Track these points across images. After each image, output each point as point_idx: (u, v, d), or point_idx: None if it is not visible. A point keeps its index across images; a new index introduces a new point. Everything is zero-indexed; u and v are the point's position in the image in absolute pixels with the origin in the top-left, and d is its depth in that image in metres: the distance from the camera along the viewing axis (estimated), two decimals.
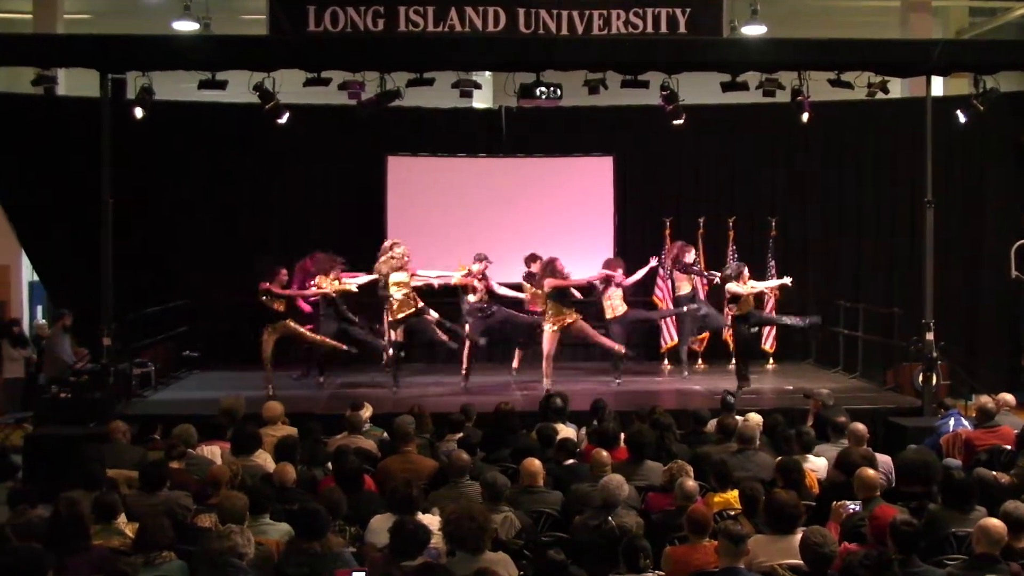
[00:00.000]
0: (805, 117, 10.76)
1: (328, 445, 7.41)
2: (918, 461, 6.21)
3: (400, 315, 10.48)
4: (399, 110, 11.50)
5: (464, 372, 11.15)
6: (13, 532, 5.07)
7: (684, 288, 12.06)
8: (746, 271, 10.87)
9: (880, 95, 10.91)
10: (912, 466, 6.17)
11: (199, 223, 13.28)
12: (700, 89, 11.21)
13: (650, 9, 11.12)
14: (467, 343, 11.02)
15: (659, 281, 12.86)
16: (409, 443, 7.03)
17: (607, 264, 11.38)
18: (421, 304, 10.53)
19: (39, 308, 15.25)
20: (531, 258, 11.49)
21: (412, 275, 10.62)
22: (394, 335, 10.67)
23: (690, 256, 12.05)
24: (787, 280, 11.26)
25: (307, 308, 11.32)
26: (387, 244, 10.82)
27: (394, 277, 10.46)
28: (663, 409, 8.26)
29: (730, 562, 4.87)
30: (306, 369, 11.63)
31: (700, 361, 13.09)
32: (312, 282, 10.95)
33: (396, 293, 10.46)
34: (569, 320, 10.71)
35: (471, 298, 10.97)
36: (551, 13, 10.71)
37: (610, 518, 5.54)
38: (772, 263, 13.11)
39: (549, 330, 10.73)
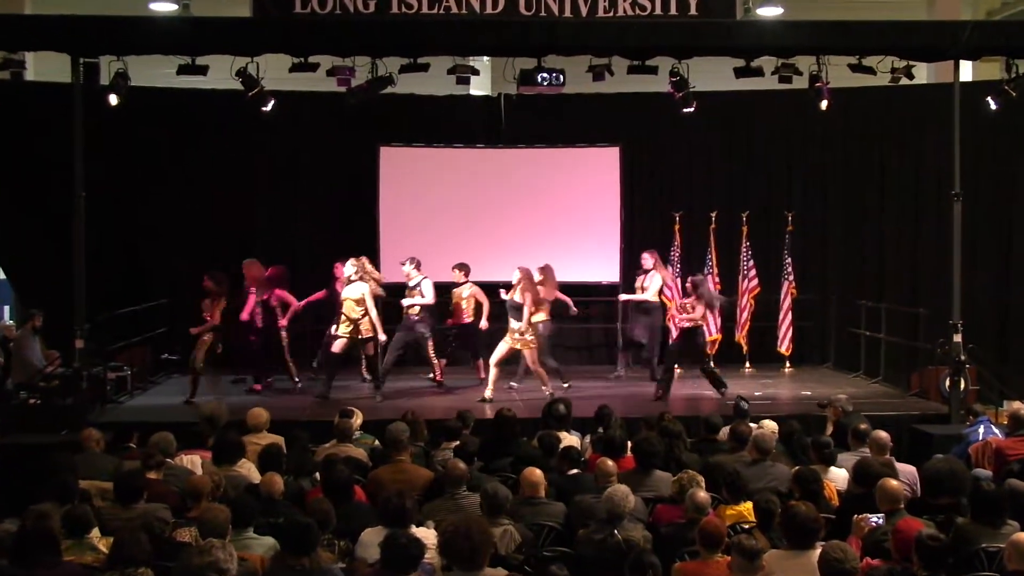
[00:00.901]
0: (824, 105, 10.76)
1: (316, 454, 7.41)
2: (945, 471, 6.21)
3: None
4: (392, 97, 11.49)
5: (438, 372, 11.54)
6: None
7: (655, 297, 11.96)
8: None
9: (904, 81, 10.91)
10: (939, 477, 6.17)
11: (178, 217, 13.26)
12: (712, 75, 11.21)
13: None
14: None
15: (667, 280, 12.83)
16: (402, 452, 7.04)
17: (544, 271, 11.26)
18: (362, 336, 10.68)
19: (6, 308, 15.25)
20: (461, 267, 11.60)
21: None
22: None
23: (649, 263, 11.97)
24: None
25: (243, 317, 11.32)
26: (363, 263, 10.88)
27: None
28: (672, 415, 8.27)
29: None
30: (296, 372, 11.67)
31: (712, 365, 13.06)
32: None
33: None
34: (518, 345, 10.76)
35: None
36: None
37: (616, 531, 5.55)
38: (788, 260, 13.12)
39: (508, 344, 10.75)
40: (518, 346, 10.71)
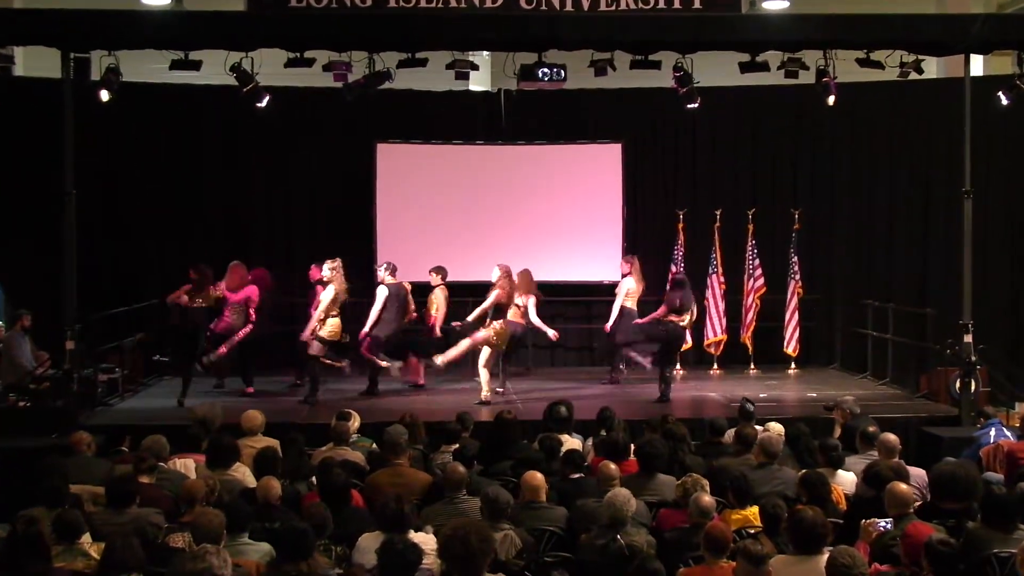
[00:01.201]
0: (831, 100, 10.75)
1: (312, 457, 7.41)
2: (955, 475, 6.19)
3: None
4: (389, 93, 11.48)
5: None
6: None
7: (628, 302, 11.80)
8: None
9: (914, 76, 10.92)
10: (949, 480, 6.15)
11: (171, 215, 13.26)
12: (716, 70, 11.21)
13: None
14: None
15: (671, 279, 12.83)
16: (400, 455, 7.04)
17: (521, 275, 11.10)
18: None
19: None
20: (436, 270, 11.62)
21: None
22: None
23: (625, 268, 11.88)
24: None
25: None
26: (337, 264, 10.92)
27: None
28: (676, 418, 8.27)
29: None
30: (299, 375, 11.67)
31: (716, 366, 13.09)
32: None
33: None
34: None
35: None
36: None
37: (618, 536, 5.54)
38: (795, 259, 13.10)
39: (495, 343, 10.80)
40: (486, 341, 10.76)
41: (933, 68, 12.77)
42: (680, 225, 13.19)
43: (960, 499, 6.01)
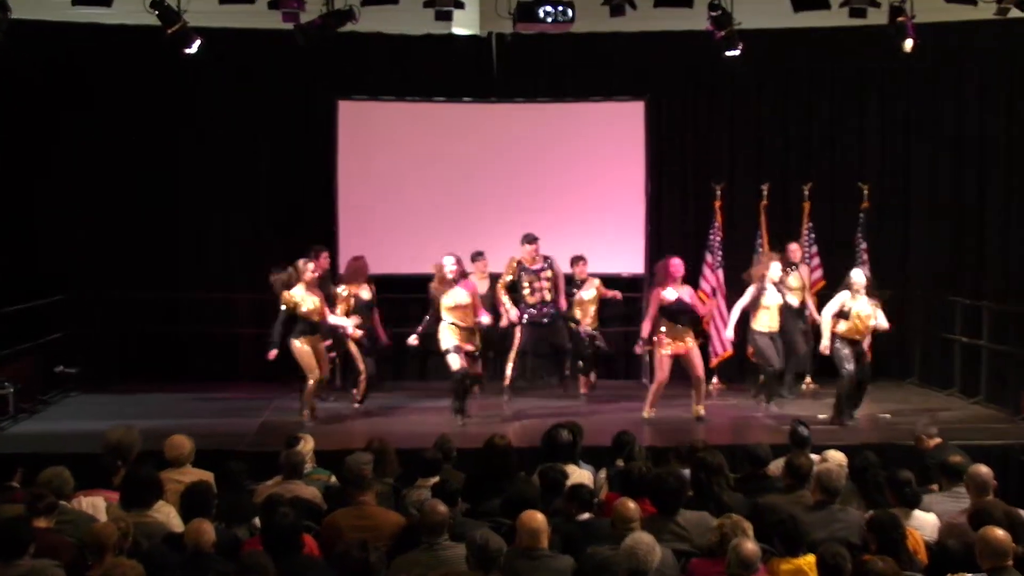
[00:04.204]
0: (909, 45, 10.74)
1: (256, 494, 7.40)
2: None
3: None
4: (352, 38, 11.49)
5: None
6: None
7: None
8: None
9: (1015, 13, 10.87)
10: None
11: (79, 192, 13.25)
12: (763, 8, 11.19)
13: None
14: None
15: (706, 270, 12.83)
16: (365, 491, 7.02)
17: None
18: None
19: None
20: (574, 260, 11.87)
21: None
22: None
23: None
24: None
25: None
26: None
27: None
28: (705, 442, 8.25)
29: None
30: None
31: (762, 378, 13.04)
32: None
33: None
34: (686, 347, 10.86)
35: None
36: None
37: None
38: (863, 245, 13.09)
39: (663, 355, 10.87)
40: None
41: None
42: (717, 203, 13.19)
43: None
